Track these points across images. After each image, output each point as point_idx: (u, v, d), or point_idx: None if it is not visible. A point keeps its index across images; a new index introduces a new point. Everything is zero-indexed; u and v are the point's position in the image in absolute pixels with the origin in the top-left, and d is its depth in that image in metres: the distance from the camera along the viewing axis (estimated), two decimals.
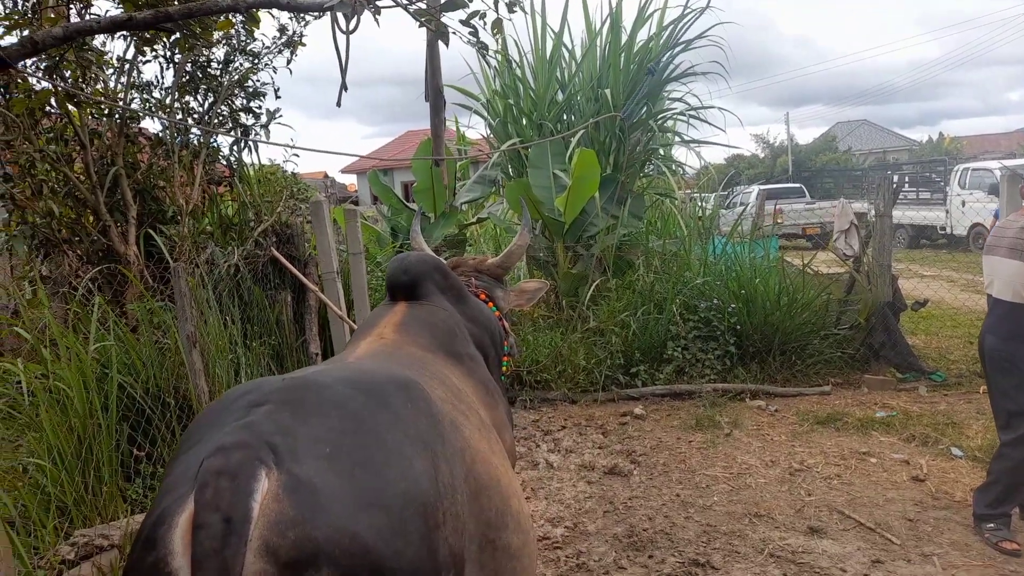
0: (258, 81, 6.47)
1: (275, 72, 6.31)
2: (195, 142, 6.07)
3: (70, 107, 5.09)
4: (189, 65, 6.20)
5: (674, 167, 9.85)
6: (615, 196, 7.59)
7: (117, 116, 5.63)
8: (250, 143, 6.29)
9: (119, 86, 5.76)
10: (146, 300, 4.72)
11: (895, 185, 6.15)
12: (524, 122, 8.75)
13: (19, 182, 5.11)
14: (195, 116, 6.35)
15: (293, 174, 7.99)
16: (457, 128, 11.18)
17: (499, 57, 8.54)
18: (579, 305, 6.78)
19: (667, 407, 6.16)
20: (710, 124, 9.26)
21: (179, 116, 6.04)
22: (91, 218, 5.53)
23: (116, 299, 5.41)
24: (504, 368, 2.99)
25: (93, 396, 3.77)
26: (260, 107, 6.33)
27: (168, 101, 6.07)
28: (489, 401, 2.30)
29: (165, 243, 5.18)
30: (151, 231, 5.33)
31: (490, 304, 2.93)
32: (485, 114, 9.04)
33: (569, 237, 7.35)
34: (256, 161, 6.81)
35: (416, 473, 1.38)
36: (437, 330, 2.32)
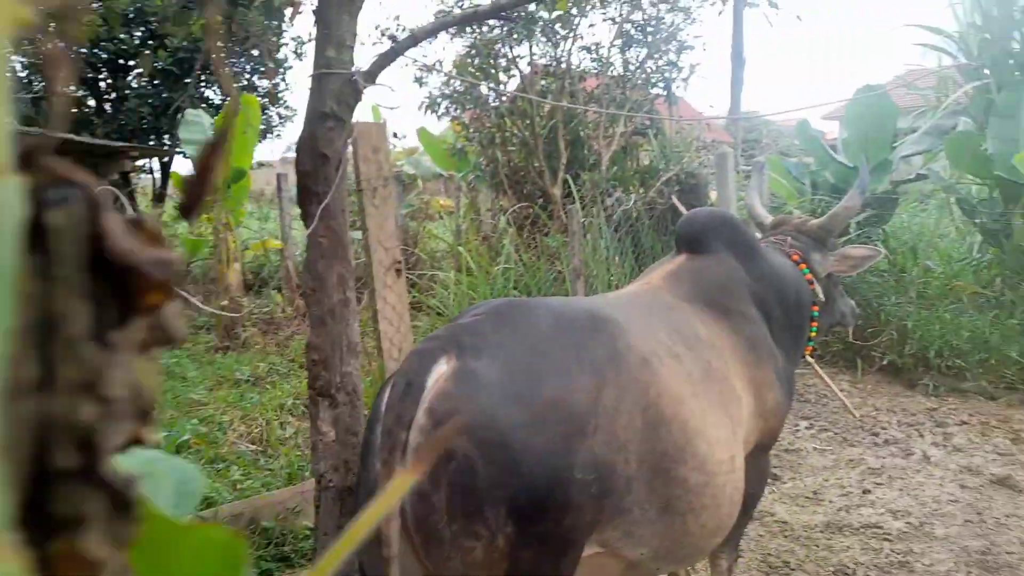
0: (688, 35, 6.78)
1: (701, 24, 6.52)
2: (618, 97, 6.73)
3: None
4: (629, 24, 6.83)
5: None
6: None
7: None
8: (671, 95, 6.69)
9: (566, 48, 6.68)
10: (555, 235, 5.61)
11: None
12: (1011, 63, 7.24)
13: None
14: (631, 70, 6.98)
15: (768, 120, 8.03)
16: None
17: None
18: (1022, 285, 5.59)
19: None
20: None
21: (611, 72, 6.74)
22: (534, 162, 6.67)
23: (543, 231, 6.48)
24: (812, 333, 2.90)
25: None
26: (683, 61, 6.65)
27: (605, 56, 6.80)
28: (749, 358, 2.36)
29: (579, 188, 6.00)
30: (569, 178, 6.21)
31: (802, 266, 2.86)
32: (954, 52, 7.75)
33: None
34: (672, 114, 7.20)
35: (573, 387, 1.69)
36: (706, 282, 2.44)
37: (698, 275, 2.47)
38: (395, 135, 7.25)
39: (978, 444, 4.66)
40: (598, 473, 1.67)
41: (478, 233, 7.27)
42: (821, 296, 2.88)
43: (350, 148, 3.13)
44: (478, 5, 5.49)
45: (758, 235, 3.11)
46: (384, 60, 2.33)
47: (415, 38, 2.33)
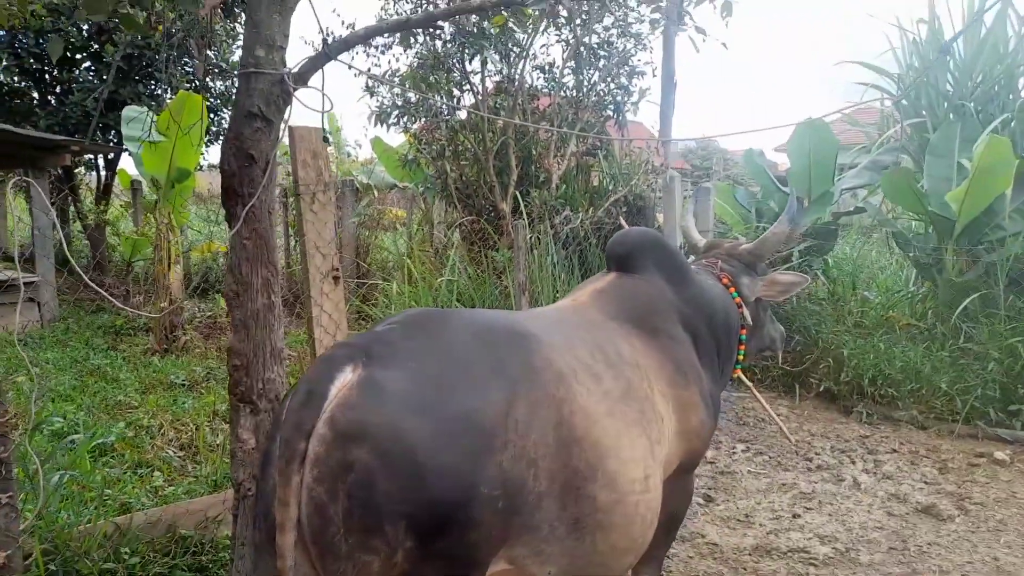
0: (639, 61, 6.88)
1: (651, 52, 6.64)
2: (570, 117, 6.78)
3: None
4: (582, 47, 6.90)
5: None
6: None
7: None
8: (621, 118, 6.76)
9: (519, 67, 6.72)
10: (502, 250, 5.59)
11: None
12: (945, 105, 7.53)
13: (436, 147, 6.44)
14: (583, 91, 7.04)
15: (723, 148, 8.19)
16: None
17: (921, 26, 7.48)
18: (953, 318, 5.76)
19: None
20: None
21: (564, 92, 6.80)
22: (485, 177, 6.67)
23: (491, 245, 6.47)
24: (740, 356, 2.93)
25: None
26: (635, 85, 6.74)
27: (558, 77, 6.86)
28: (676, 380, 2.35)
29: (527, 205, 6.00)
30: (519, 194, 6.22)
31: (731, 289, 2.88)
32: (894, 92, 8.02)
33: (964, 240, 6.22)
34: (623, 136, 7.29)
35: (484, 400, 1.65)
36: (634, 302, 2.44)
37: (626, 294, 2.47)
38: (325, 139, 7.18)
39: (906, 472, 4.76)
40: (506, 489, 1.64)
41: (430, 244, 7.23)
42: (749, 320, 2.91)
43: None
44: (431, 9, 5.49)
45: (690, 257, 3.14)
46: (315, 63, 2.28)
47: (347, 42, 2.29)
